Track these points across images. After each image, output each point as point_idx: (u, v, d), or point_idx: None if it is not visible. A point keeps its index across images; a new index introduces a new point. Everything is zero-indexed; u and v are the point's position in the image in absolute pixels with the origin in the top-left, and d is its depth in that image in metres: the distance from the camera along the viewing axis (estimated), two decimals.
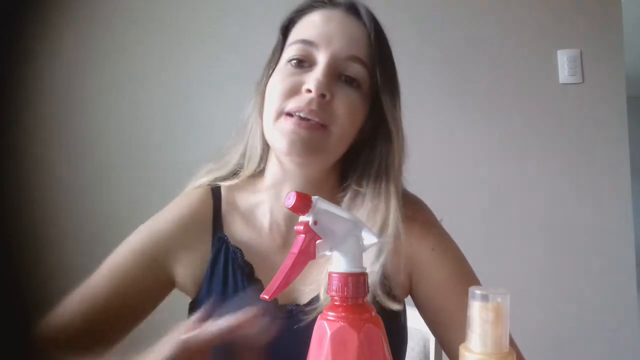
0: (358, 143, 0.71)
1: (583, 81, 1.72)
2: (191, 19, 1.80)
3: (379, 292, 0.64)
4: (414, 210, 0.72)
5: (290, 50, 0.68)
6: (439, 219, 0.76)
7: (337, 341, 0.41)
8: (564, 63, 1.72)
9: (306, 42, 0.67)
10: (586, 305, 1.69)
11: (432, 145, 1.70)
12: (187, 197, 0.75)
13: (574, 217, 1.71)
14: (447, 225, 0.75)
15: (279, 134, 0.65)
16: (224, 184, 0.75)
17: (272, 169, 0.72)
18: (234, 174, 0.76)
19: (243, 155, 0.75)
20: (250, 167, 0.74)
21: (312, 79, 0.64)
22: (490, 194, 1.73)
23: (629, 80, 1.80)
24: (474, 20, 1.76)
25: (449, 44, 1.77)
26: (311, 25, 0.68)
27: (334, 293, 0.42)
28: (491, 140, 1.74)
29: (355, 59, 0.66)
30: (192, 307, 0.73)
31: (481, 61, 1.76)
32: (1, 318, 1.57)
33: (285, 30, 0.72)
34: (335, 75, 0.66)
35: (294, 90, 0.65)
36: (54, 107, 1.78)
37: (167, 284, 0.73)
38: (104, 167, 1.77)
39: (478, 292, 0.39)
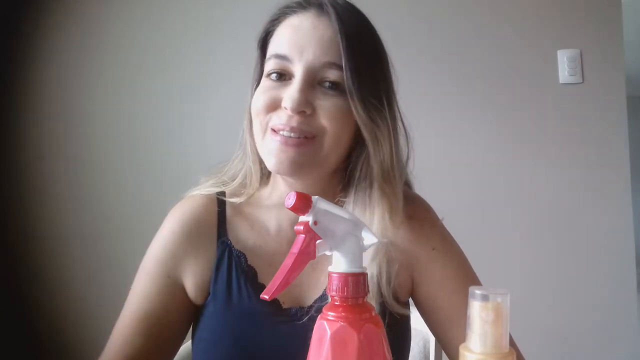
0: (353, 148, 0.68)
1: (583, 81, 1.72)
2: (190, 19, 1.80)
3: (389, 299, 0.64)
4: (416, 210, 0.72)
5: (268, 65, 0.66)
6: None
7: (337, 341, 0.41)
8: (564, 63, 1.72)
9: (280, 57, 0.64)
10: (586, 305, 1.69)
11: (432, 145, 1.70)
12: (190, 202, 0.74)
13: (574, 217, 1.71)
14: (446, 225, 0.75)
15: (267, 152, 0.64)
16: (229, 200, 0.74)
17: (275, 179, 0.73)
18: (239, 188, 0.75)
19: (244, 175, 0.74)
20: (252, 187, 0.73)
21: (288, 96, 0.62)
22: (490, 194, 1.73)
23: (629, 80, 1.80)
24: (474, 20, 1.76)
25: (448, 44, 1.77)
26: (283, 37, 0.66)
27: (334, 293, 0.42)
28: (491, 140, 1.74)
29: (330, 64, 0.63)
30: (199, 313, 0.71)
31: (481, 61, 1.75)
32: (1, 317, 1.57)
33: (264, 44, 0.70)
34: (315, 85, 0.63)
35: (273, 105, 0.64)
36: (54, 107, 1.78)
37: (184, 303, 0.71)
38: (104, 167, 1.77)
39: (478, 292, 0.39)
